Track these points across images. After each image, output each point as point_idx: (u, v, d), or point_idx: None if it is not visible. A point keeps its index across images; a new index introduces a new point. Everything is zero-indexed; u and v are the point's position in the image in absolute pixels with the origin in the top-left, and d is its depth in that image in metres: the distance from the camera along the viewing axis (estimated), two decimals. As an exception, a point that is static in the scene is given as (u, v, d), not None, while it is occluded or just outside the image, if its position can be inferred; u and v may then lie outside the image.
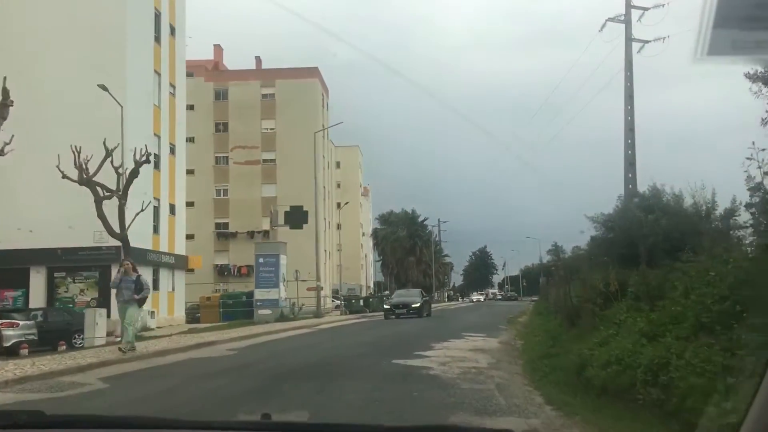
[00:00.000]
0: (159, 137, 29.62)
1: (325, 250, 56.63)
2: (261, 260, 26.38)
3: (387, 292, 69.75)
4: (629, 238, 18.28)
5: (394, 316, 28.85)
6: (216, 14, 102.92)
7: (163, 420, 1.72)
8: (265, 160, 55.41)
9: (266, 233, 54.29)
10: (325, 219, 57.44)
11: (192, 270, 51.68)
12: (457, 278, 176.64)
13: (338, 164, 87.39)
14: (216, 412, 6.04)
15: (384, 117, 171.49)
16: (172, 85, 31.59)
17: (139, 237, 26.74)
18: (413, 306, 29.49)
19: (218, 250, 54.97)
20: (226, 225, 55.43)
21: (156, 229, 29.12)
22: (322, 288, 50.00)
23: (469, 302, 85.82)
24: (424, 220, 69.97)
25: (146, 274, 27.71)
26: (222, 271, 54.71)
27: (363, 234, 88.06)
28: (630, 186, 24.31)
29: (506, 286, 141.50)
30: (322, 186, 55.94)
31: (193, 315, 39.34)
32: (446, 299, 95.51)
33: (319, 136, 55.53)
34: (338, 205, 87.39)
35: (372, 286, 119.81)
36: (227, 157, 55.52)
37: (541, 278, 78.90)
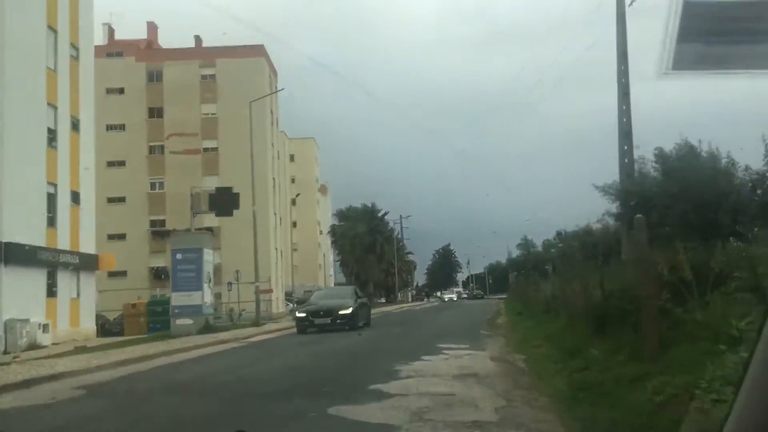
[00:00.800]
0: (56, 108, 23.93)
1: (276, 249, 51.26)
2: (178, 256, 20.85)
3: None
4: (653, 208, 13.78)
5: (313, 329, 19.26)
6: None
7: None
8: (206, 149, 49.74)
9: (209, 230, 48.66)
10: (275, 214, 52.01)
11: (117, 273, 45.92)
12: (420, 277, 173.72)
13: (292, 157, 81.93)
14: None
15: (342, 113, 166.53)
16: (75, 47, 25.86)
17: (25, 231, 21.11)
18: (341, 313, 19.57)
19: (155, 251, 49.01)
20: (162, 222, 49.53)
21: (51, 222, 23.43)
22: (270, 290, 44.66)
23: (435, 302, 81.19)
24: (385, 214, 64.94)
25: (35, 277, 22.11)
26: (159, 275, 48.68)
27: (321, 232, 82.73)
28: (626, 160, 20.37)
29: (471, 285, 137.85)
30: (270, 177, 50.54)
31: (115, 326, 33.63)
32: (410, 299, 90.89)
33: (267, 120, 50.16)
34: (293, 201, 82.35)
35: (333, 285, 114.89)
36: (162, 146, 49.60)
37: (511, 274, 74.69)
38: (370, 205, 63.53)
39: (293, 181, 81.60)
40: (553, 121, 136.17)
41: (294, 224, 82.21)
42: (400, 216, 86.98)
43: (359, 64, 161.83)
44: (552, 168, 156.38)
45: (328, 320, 19.37)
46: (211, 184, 49.44)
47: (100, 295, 41.53)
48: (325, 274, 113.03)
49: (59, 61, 24.32)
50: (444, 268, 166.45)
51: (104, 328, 35.75)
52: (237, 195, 25.53)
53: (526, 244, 68.60)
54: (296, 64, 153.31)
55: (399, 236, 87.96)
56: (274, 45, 78.75)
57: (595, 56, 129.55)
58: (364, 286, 68.51)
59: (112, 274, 47.07)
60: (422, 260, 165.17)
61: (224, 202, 24.36)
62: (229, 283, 43.14)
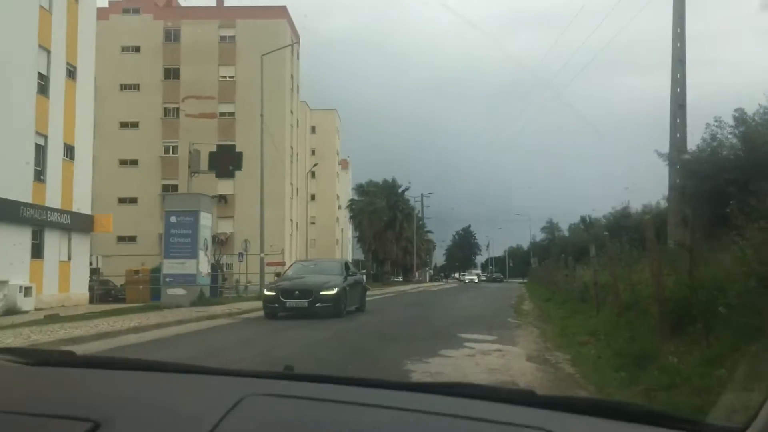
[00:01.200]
0: (48, 52, 21.79)
1: (291, 220, 49.17)
2: (172, 219, 18.48)
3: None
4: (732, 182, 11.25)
5: (283, 313, 14.89)
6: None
7: (192, 366, 1.75)
8: (222, 114, 47.59)
9: (222, 198, 46.81)
10: (291, 184, 49.84)
11: (126, 237, 44.25)
12: (440, 258, 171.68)
13: (313, 129, 79.64)
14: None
15: (368, 90, 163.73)
16: (74, -15, 23.64)
17: (7, 184, 19.12)
18: (323, 294, 14.82)
19: (166, 216, 47.29)
20: (175, 187, 47.61)
21: (39, 176, 21.42)
22: (281, 262, 42.69)
23: (453, 283, 78.86)
24: (405, 189, 62.28)
25: (17, 236, 20.18)
26: (169, 241, 47.14)
27: (339, 207, 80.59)
28: (678, 135, 17.94)
29: (490, 267, 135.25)
30: (288, 145, 48.33)
31: (121, 292, 31.98)
32: (428, 279, 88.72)
33: (286, 85, 47.83)
34: (311, 173, 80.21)
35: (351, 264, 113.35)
36: (178, 108, 47.53)
37: (533, 258, 72.00)
38: (390, 180, 61.04)
39: (313, 153, 79.41)
40: (581, 104, 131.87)
41: (312, 197, 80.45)
42: (422, 195, 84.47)
43: (387, 42, 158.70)
44: (577, 153, 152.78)
45: (305, 303, 14.56)
46: (226, 150, 47.49)
47: (106, 260, 39.98)
48: (342, 251, 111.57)
49: (54, 1, 22.12)
50: (463, 249, 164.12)
51: (110, 293, 34.17)
52: (240, 154, 22.97)
53: (551, 228, 65.82)
54: (324, 40, 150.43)
55: (419, 214, 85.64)
56: (300, 16, 76.32)
57: (625, 40, 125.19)
58: (382, 263, 66.46)
59: (122, 239, 45.53)
60: (442, 241, 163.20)
61: (225, 161, 21.66)
62: (240, 254, 41.27)
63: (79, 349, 9.37)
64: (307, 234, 55.80)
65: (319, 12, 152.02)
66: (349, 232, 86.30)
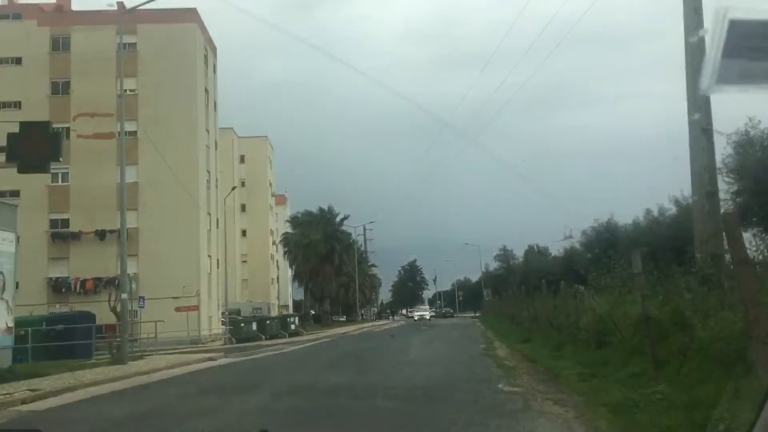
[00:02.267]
0: None
1: (210, 256, 41.88)
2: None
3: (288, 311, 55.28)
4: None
5: None
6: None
7: None
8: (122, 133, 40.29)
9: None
10: (210, 215, 42.69)
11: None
12: (385, 294, 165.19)
13: (242, 158, 72.75)
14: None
15: (303, 124, 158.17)
16: None
17: None
18: None
19: (54, 257, 39.42)
20: (66, 222, 39.98)
21: None
22: (193, 307, 35.39)
23: (401, 320, 72.24)
24: (344, 219, 55.97)
25: None
26: (59, 287, 39.14)
27: (274, 243, 73.35)
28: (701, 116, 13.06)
29: (438, 302, 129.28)
30: (203, 168, 41.38)
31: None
32: (374, 317, 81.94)
33: (199, 99, 41.18)
34: (242, 207, 72.87)
35: (291, 305, 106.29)
36: (68, 128, 39.96)
37: (486, 291, 66.40)
38: (326, 208, 54.67)
39: (243, 184, 72.41)
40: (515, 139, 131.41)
41: (243, 233, 73.03)
42: (364, 227, 78.16)
43: (321, 77, 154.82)
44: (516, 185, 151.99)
45: None
46: (128, 177, 40.11)
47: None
48: (281, 290, 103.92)
49: None
50: (410, 285, 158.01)
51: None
52: (58, 136, 13.84)
53: (505, 256, 60.42)
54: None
55: (362, 248, 79.33)
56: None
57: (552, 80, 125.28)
58: (321, 302, 59.54)
59: None
60: (387, 278, 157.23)
61: (32, 147, 12.57)
62: (142, 299, 33.86)
63: None
64: (223, 273, 48.33)
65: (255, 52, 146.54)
66: (290, 271, 78.90)
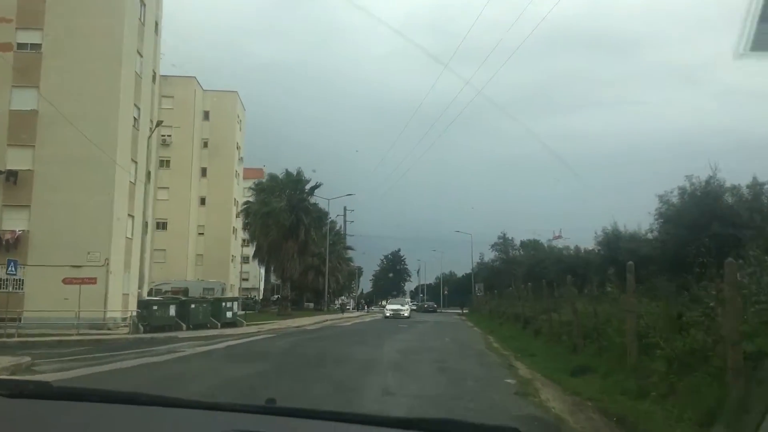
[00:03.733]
0: None
1: (132, 216, 32.20)
2: None
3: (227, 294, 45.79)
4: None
5: None
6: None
7: (169, 399, 1.70)
8: (22, 45, 30.75)
9: (12, 175, 29.67)
10: (136, 163, 33.02)
11: None
12: (366, 284, 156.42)
13: (206, 115, 63.12)
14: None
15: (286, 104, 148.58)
16: None
17: None
18: None
19: None
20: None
21: None
22: (89, 279, 25.84)
23: (378, 312, 63.08)
24: (315, 187, 45.89)
25: None
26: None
27: (239, 215, 63.80)
28: None
29: (421, 295, 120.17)
30: (128, 102, 31.64)
31: None
32: (353, 308, 72.96)
33: (130, 10, 31.39)
34: (203, 172, 63.29)
35: (261, 288, 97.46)
36: (-51, 34, 30.26)
37: (477, 285, 57.34)
38: (294, 172, 44.98)
39: (205, 145, 62.78)
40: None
41: (202, 201, 63.43)
42: (344, 209, 68.68)
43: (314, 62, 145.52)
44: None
45: None
46: (24, 100, 30.47)
47: None
48: (250, 272, 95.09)
49: None
50: (392, 275, 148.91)
51: None
52: None
53: (504, 245, 51.21)
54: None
55: (342, 231, 70.03)
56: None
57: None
58: (282, 286, 50.26)
59: None
60: (371, 269, 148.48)
61: None
62: (12, 264, 24.37)
63: None
64: (192, 247, 38.97)
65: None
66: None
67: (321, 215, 45.59)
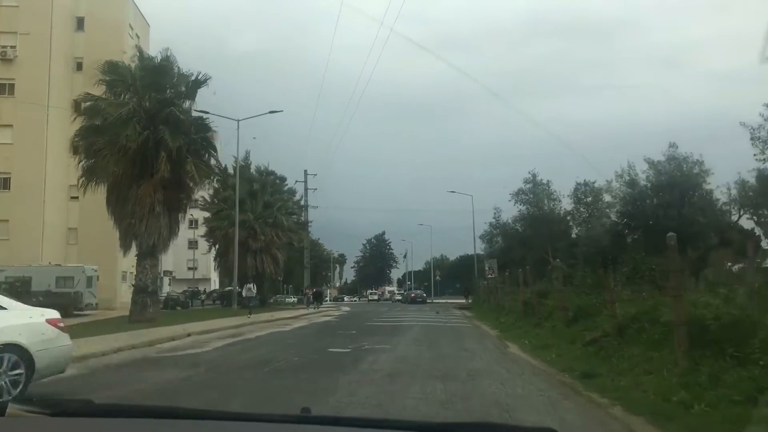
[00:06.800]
0: None
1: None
2: None
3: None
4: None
5: None
6: None
7: (210, 412, 1.74)
8: None
9: None
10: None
11: None
12: (349, 273, 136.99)
13: (81, 23, 43.15)
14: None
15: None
16: None
17: None
18: None
19: None
20: None
21: None
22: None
23: (346, 306, 42.93)
24: (200, 83, 23.86)
25: None
26: None
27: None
28: None
29: (408, 283, 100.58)
30: None
31: None
32: (294, 302, 53.23)
33: None
34: (74, 104, 42.82)
35: (215, 281, 79.89)
36: None
37: (488, 262, 37.04)
38: (158, 58, 24.17)
39: (80, 67, 41.80)
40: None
41: (75, 148, 43.11)
42: (305, 172, 49.00)
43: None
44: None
45: None
46: None
47: None
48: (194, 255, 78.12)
49: None
50: (376, 261, 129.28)
51: None
52: None
53: (535, 192, 31.52)
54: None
55: (303, 201, 50.26)
56: None
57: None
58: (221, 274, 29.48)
59: None
60: (353, 255, 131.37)
61: None
62: None
63: None
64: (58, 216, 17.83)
65: None
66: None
67: (209, 143, 24.73)
